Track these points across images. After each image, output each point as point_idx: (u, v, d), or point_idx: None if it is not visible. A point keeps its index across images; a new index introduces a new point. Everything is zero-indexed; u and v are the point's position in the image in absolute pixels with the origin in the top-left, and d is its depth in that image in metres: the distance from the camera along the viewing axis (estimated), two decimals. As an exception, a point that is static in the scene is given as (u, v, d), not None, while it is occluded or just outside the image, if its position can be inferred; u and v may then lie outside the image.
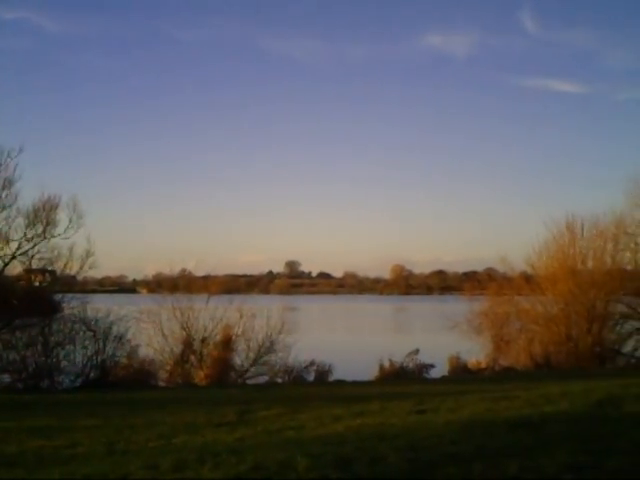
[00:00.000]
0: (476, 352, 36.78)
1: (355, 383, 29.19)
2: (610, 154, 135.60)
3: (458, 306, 44.60)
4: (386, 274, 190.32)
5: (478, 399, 16.67)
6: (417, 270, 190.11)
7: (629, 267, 38.89)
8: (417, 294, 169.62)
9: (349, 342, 53.26)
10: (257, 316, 32.75)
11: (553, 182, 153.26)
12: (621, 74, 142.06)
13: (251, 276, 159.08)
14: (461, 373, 33.76)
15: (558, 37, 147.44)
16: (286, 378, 31.47)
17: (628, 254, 39.15)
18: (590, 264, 37.88)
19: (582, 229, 38.20)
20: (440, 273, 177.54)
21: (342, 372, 31.73)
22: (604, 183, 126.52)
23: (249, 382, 31.38)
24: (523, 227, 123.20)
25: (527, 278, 39.82)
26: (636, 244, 39.32)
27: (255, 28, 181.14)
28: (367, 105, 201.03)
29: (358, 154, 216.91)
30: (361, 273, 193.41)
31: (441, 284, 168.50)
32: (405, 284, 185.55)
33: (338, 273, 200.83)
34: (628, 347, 38.47)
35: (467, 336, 38.38)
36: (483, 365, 35.51)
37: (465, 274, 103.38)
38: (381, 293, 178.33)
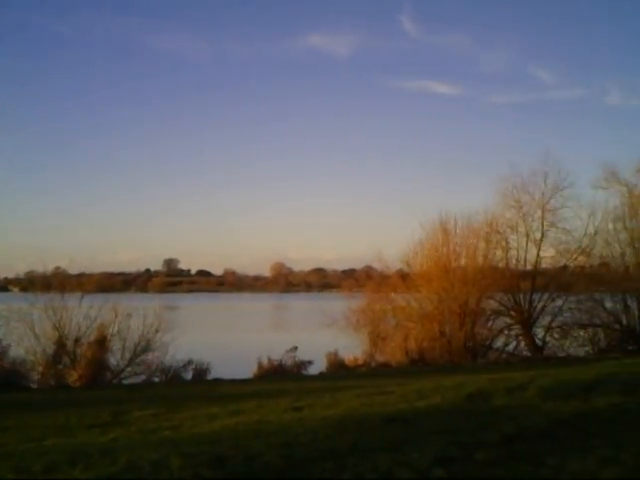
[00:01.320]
0: (353, 349, 37.25)
1: (233, 381, 29.04)
2: (484, 155, 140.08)
3: (337, 303, 45.06)
4: (266, 272, 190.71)
5: (354, 395, 16.90)
6: (297, 268, 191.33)
7: (500, 265, 40.30)
8: (297, 292, 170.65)
9: (228, 340, 52.91)
10: (133, 315, 32.10)
11: (430, 181, 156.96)
12: (495, 78, 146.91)
13: (128, 274, 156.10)
14: (339, 369, 34.11)
15: (436, 40, 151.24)
16: (163, 377, 31.00)
17: (499, 252, 40.63)
18: (463, 262, 39.02)
19: (455, 228, 39.32)
20: (320, 271, 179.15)
21: (220, 371, 31.50)
22: (478, 183, 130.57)
23: (125, 382, 30.73)
24: (401, 225, 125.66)
25: (403, 276, 40.65)
26: (507, 243, 40.85)
27: (138, 24, 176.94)
28: (249, 103, 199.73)
29: (238, 153, 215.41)
30: (241, 271, 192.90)
31: (321, 282, 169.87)
32: (285, 282, 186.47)
33: (218, 271, 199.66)
34: (499, 342, 39.91)
35: (345, 333, 38.85)
36: (360, 361, 35.99)
37: (344, 272, 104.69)
38: (261, 291, 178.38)
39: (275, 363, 32.87)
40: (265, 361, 32.94)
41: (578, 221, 41.63)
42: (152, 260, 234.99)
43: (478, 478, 8.91)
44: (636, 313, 39.22)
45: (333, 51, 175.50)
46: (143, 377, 31.24)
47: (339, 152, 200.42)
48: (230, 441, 10.78)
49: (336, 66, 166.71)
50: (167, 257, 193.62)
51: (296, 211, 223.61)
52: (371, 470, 8.97)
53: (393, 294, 40.21)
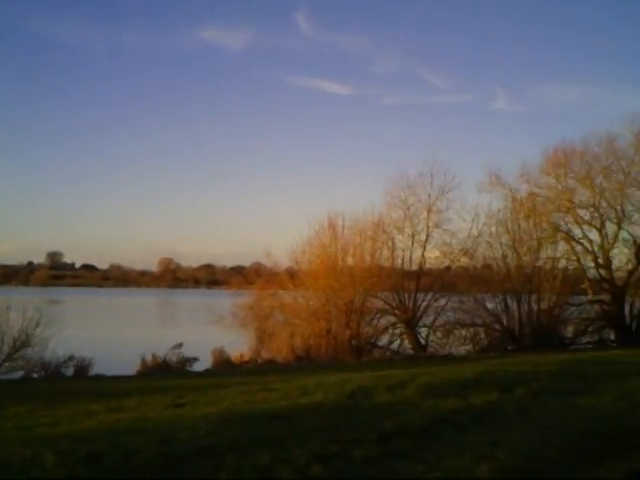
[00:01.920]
0: (240, 345, 37.14)
1: (115, 378, 28.38)
2: (373, 155, 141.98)
3: (225, 300, 44.84)
4: (153, 267, 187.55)
5: (238, 392, 16.78)
6: (185, 263, 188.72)
7: (386, 264, 40.86)
8: (185, 287, 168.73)
9: (112, 336, 51.80)
10: (13, 308, 30.91)
11: (320, 180, 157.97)
12: (387, 79, 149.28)
13: (9, 267, 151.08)
14: (224, 366, 33.85)
15: (331, 39, 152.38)
16: (43, 373, 29.95)
17: (386, 252, 41.18)
18: (350, 261, 39.40)
19: (343, 227, 39.66)
20: (208, 267, 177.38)
21: (103, 366, 30.70)
22: (367, 183, 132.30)
23: (2, 377, 29.58)
24: (291, 223, 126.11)
25: (292, 274, 40.75)
26: (393, 243, 41.46)
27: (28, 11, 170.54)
28: (139, 94, 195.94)
29: (129, 147, 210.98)
30: (127, 265, 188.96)
31: (209, 278, 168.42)
32: (172, 277, 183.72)
33: (103, 265, 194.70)
34: (383, 341, 40.48)
35: (232, 329, 38.70)
36: (246, 358, 35.87)
37: (233, 269, 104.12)
38: (148, 286, 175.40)
39: (159, 360, 32.27)
40: (149, 358, 32.31)
41: (462, 223, 42.71)
42: (34, 253, 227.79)
43: (355, 475, 8.96)
44: (516, 314, 40.43)
45: (226, 45, 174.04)
46: (22, 373, 30.14)
47: (229, 148, 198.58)
48: (108, 438, 10.50)
49: (228, 61, 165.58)
50: (50, 250, 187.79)
51: (186, 206, 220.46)
52: (250, 467, 8.92)
53: (281, 291, 40.26)
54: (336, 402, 14.19)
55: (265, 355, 37.19)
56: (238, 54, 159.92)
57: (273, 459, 9.21)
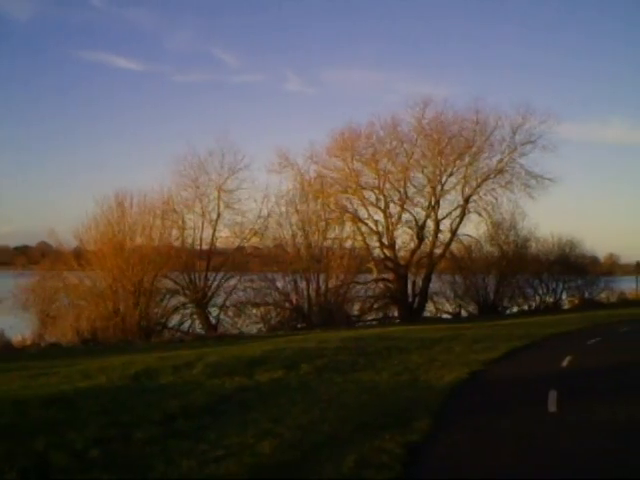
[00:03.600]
0: (22, 329, 35.33)
1: None
2: (165, 133, 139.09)
3: (6, 281, 42.41)
4: None
5: (16, 377, 15.95)
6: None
7: (176, 244, 40.35)
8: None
9: None
10: None
11: (109, 157, 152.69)
12: (179, 57, 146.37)
13: None
14: (4, 351, 32.04)
15: (124, 14, 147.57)
16: None
17: (175, 231, 40.68)
18: (139, 240, 38.49)
19: (132, 205, 38.67)
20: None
21: None
22: (158, 161, 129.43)
23: None
24: (80, 203, 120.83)
25: (78, 254, 39.18)
26: (183, 222, 41.03)
27: None
28: None
29: None
30: None
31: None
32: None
33: None
34: (174, 321, 40.00)
35: (13, 312, 36.76)
36: (28, 342, 34.14)
37: (17, 249, 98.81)
38: None
39: None
40: None
41: (253, 203, 43.09)
42: None
43: (135, 458, 8.74)
44: (305, 293, 41.32)
45: (11, 13, 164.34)
46: None
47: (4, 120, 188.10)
48: None
49: (14, 29, 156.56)
50: None
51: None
52: (23, 454, 8.48)
53: (66, 272, 38.63)
54: (119, 384, 13.85)
55: (49, 338, 35.57)
56: (24, 23, 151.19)
57: (48, 444, 8.81)
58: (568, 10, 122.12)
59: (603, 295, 64.41)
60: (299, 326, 40.40)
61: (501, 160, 49.54)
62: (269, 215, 42.51)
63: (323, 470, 8.17)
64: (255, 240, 43.26)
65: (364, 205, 48.81)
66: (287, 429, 10.13)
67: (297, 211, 42.85)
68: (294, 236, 42.85)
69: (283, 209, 42.92)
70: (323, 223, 43.49)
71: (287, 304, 41.86)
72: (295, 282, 41.54)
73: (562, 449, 9.30)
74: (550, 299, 59.20)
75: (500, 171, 49.44)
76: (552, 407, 12.33)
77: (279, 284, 41.96)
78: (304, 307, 41.32)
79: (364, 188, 48.83)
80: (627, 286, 71.02)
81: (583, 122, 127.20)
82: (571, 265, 59.52)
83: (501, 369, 18.03)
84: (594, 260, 67.04)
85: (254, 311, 42.09)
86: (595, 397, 13.41)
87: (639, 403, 12.83)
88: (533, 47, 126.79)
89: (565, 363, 18.91)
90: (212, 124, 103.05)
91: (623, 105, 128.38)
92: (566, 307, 59.89)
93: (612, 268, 76.96)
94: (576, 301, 61.46)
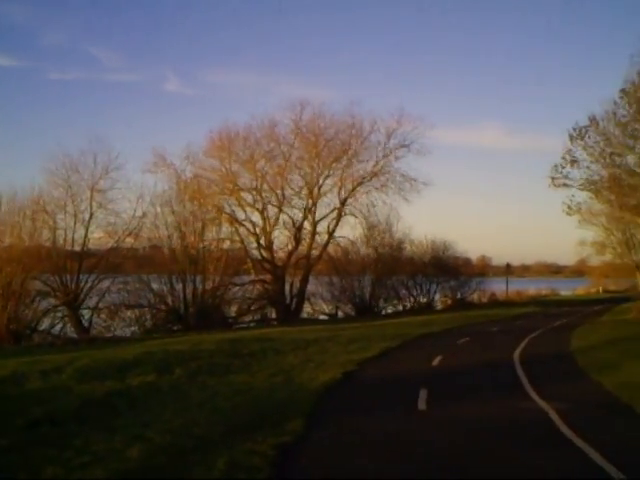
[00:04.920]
0: None
1: None
2: (38, 132, 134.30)
3: None
4: None
5: None
6: None
7: (47, 244, 39.13)
8: None
9: None
10: None
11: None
12: (55, 54, 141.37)
13: None
14: None
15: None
16: None
17: (46, 232, 39.44)
18: (7, 241, 37.16)
19: (0, 205, 37.33)
20: None
21: None
22: (28, 160, 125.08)
23: None
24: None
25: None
26: (55, 222, 39.80)
27: None
28: None
29: None
30: None
31: None
32: None
33: None
34: (45, 324, 38.73)
35: None
36: None
37: None
38: None
39: None
40: None
41: (127, 203, 42.29)
42: None
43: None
44: (181, 294, 40.81)
45: None
46: None
47: None
48: None
49: None
50: None
51: None
52: None
53: None
54: (-19, 391, 13.28)
55: None
56: None
57: None
58: (448, 19, 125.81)
59: (475, 296, 66.54)
60: (175, 328, 39.91)
61: (376, 163, 50.56)
62: (144, 216, 41.88)
63: (193, 473, 8.07)
64: (130, 241, 42.50)
65: (242, 206, 48.77)
66: (157, 433, 9.96)
67: (173, 212, 42.32)
68: (170, 237, 42.31)
69: (159, 210, 42.33)
70: (200, 224, 43.06)
71: (163, 306, 41.28)
72: (171, 284, 41.01)
73: (428, 445, 9.52)
74: (424, 300, 60.67)
75: (376, 174, 50.42)
76: (422, 405, 12.62)
77: (155, 286, 41.32)
78: (180, 309, 40.84)
79: (242, 189, 48.81)
80: (498, 287, 73.69)
81: (461, 128, 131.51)
82: (444, 266, 61.17)
83: (374, 369, 18.31)
84: (467, 262, 69.18)
85: (128, 313, 41.28)
86: (461, 395, 13.84)
87: (499, 399, 13.30)
88: (411, 54, 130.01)
89: (436, 362, 19.41)
90: (88, 123, 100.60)
91: (498, 112, 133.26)
92: (439, 307, 61.53)
93: (484, 269, 79.69)
94: (449, 301, 63.23)
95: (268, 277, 48.38)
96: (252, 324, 45.44)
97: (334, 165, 49.69)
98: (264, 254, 48.78)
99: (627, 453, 8.91)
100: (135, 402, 12.74)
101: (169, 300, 41.14)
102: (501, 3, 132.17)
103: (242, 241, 47.55)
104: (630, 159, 40.37)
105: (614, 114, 39.37)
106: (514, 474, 8.18)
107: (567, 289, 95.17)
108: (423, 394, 13.57)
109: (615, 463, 8.17)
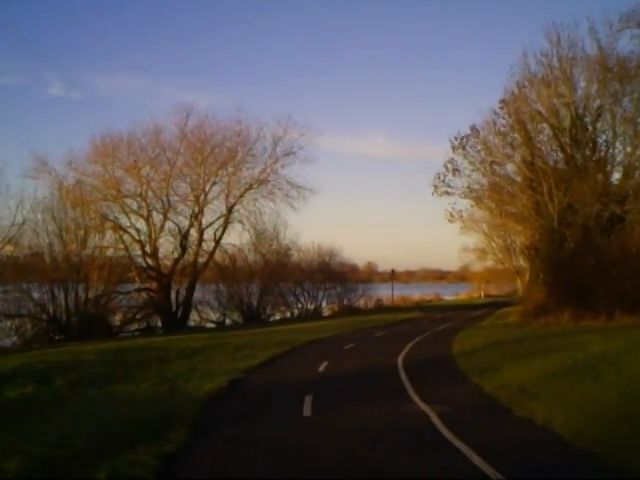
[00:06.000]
0: None
1: None
2: None
3: None
4: None
5: None
6: None
7: None
8: None
9: None
10: None
11: None
12: None
13: None
14: None
15: None
16: None
17: None
18: None
19: None
20: None
21: None
22: None
23: None
24: None
25: None
26: None
27: None
28: None
29: None
30: None
31: None
32: None
33: None
34: None
35: None
36: None
37: None
38: None
39: None
40: None
41: (6, 210, 40.77)
42: None
43: None
44: (63, 303, 39.69)
45: None
46: None
47: None
48: None
49: None
50: None
51: None
52: None
53: None
54: None
55: None
56: None
57: None
58: (340, 31, 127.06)
59: (362, 302, 67.50)
60: (57, 338, 38.83)
61: (263, 170, 50.79)
62: (24, 222, 40.40)
63: (72, 486, 7.89)
64: (9, 249, 40.95)
65: (126, 213, 47.99)
66: (36, 446, 9.67)
67: (54, 219, 41.07)
68: (51, 245, 41.09)
69: (39, 216, 40.96)
70: (82, 231, 42.00)
71: (44, 315, 40.02)
72: (52, 292, 39.78)
73: (312, 451, 9.60)
74: (311, 306, 61.17)
75: (262, 181, 50.64)
76: (307, 411, 12.71)
77: (35, 294, 40.02)
78: (62, 318, 39.72)
79: (126, 196, 48.01)
80: (384, 293, 74.98)
81: (349, 136, 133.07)
82: (331, 273, 61.84)
83: (261, 376, 18.31)
84: (354, 268, 70.26)
85: (8, 323, 39.78)
86: (346, 400, 14.00)
87: (383, 403, 13.53)
88: (304, 67, 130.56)
89: (322, 368, 19.57)
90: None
91: (385, 121, 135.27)
92: (327, 314, 62.06)
93: (370, 276, 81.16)
94: (336, 308, 63.94)
95: (154, 285, 47.74)
96: (137, 333, 44.67)
97: (220, 172, 49.61)
98: (149, 262, 48.11)
99: (504, 453, 9.21)
100: (13, 414, 12.32)
101: (50, 309, 39.91)
102: (385, 17, 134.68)
103: (127, 248, 46.81)
104: (509, 168, 42.06)
105: (494, 124, 41.03)
106: (395, 475, 8.35)
107: (451, 294, 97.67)
108: (308, 400, 13.67)
109: (492, 463, 8.44)
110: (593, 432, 9.97)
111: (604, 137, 38.02)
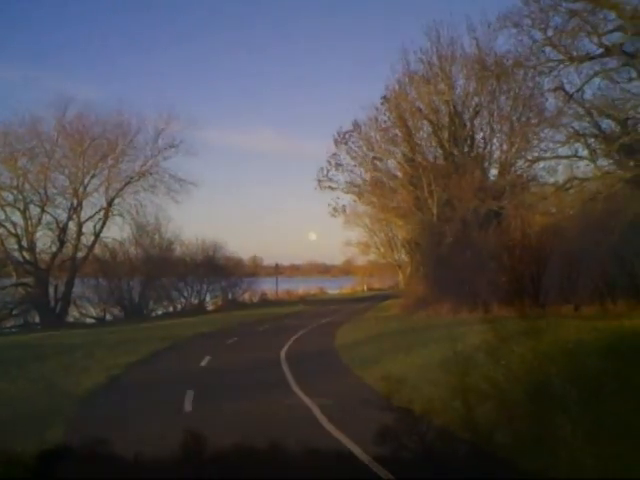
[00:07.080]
0: None
1: None
2: None
3: None
4: None
5: None
6: None
7: None
8: None
9: None
10: None
11: None
12: None
13: None
14: None
15: None
16: None
17: None
18: None
19: None
20: None
21: None
22: None
23: None
24: None
25: None
26: None
27: None
28: None
29: None
30: None
31: None
32: None
33: None
34: None
35: None
36: None
37: None
38: None
39: None
40: None
41: None
42: None
43: None
44: None
45: None
46: None
47: None
48: None
49: None
50: None
51: None
52: None
53: None
54: None
55: None
56: None
57: None
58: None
59: (246, 296, 67.28)
60: None
61: (145, 163, 49.95)
62: None
63: None
64: None
65: (1, 206, 46.22)
66: None
67: None
68: None
69: None
70: None
71: None
72: None
73: (190, 446, 9.50)
74: (195, 301, 60.48)
75: (143, 174, 49.82)
76: (188, 407, 12.62)
77: None
78: None
79: (1, 188, 46.27)
80: (268, 287, 74.99)
81: (237, 130, 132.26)
82: (215, 267, 61.36)
83: (141, 372, 18.07)
84: (238, 262, 69.82)
85: None
86: (228, 394, 13.98)
87: (266, 397, 13.57)
88: (188, 60, 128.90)
89: (204, 363, 19.47)
90: None
91: (273, 116, 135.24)
92: (210, 308, 61.55)
93: (256, 270, 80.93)
94: (220, 302, 63.45)
95: (31, 280, 46.20)
96: (14, 330, 43.17)
97: (100, 164, 48.41)
98: (26, 256, 46.53)
99: (382, 442, 9.36)
100: None
101: None
102: (268, 11, 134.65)
103: (2, 242, 45.11)
104: (391, 163, 42.89)
105: (376, 120, 41.75)
106: (276, 468, 8.37)
107: (335, 288, 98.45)
108: (190, 395, 13.58)
109: (369, 452, 8.62)
110: (468, 419, 10.29)
111: (482, 134, 39.23)
